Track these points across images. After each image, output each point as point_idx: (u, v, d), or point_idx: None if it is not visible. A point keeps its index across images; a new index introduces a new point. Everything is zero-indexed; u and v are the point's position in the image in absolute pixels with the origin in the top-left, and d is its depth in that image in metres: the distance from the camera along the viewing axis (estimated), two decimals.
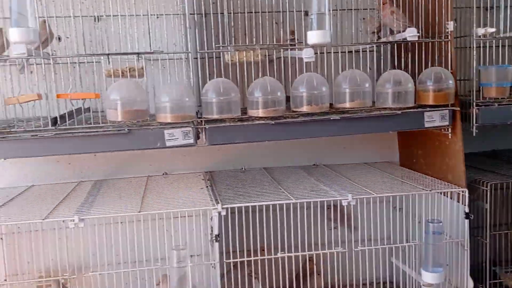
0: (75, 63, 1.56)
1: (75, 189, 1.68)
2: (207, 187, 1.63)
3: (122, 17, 1.39)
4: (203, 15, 1.41)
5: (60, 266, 1.67)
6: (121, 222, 1.44)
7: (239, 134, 1.37)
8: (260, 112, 1.35)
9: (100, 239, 1.61)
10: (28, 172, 1.76)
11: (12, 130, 1.29)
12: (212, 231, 1.79)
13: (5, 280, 1.67)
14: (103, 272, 1.41)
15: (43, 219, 1.30)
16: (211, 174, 1.83)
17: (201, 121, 1.37)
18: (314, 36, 1.32)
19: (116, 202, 1.48)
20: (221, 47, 1.38)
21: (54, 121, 1.33)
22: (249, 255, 1.49)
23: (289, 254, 1.47)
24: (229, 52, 1.37)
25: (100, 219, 1.49)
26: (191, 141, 1.36)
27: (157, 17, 1.71)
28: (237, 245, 1.51)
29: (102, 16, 1.64)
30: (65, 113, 1.44)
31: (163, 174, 1.87)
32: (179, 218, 1.53)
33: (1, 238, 1.70)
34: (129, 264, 1.47)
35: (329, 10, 1.32)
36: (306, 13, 1.77)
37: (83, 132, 1.30)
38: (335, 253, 1.53)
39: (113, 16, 1.55)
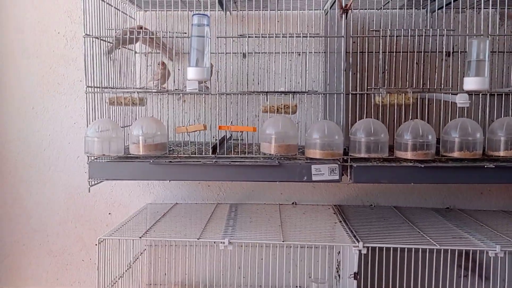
0: (224, 94, 1.70)
1: (215, 210, 1.80)
2: (340, 221, 1.66)
3: (268, 54, 1.49)
4: (358, 53, 1.45)
5: (194, 281, 1.81)
6: (246, 246, 1.52)
7: (386, 175, 1.38)
8: (409, 155, 1.36)
9: (229, 260, 1.71)
10: (173, 190, 1.93)
11: (179, 155, 1.44)
12: (339, 265, 1.81)
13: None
14: None
15: (197, 238, 1.42)
16: (340, 208, 1.85)
17: (348, 159, 1.41)
18: (471, 83, 1.31)
19: (257, 228, 1.57)
20: (373, 89, 1.41)
21: (214, 149, 1.46)
22: None
23: None
24: (380, 94, 1.40)
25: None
26: (336, 177, 1.40)
27: (299, 55, 1.81)
28: (369, 283, 1.51)
29: (251, 53, 1.78)
30: (217, 141, 1.57)
31: (293, 203, 1.93)
32: (305, 248, 1.57)
33: (145, 249, 1.88)
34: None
35: (489, 57, 1.30)
36: (448, 54, 1.75)
37: (239, 161, 1.41)
38: None
39: (261, 53, 1.68)
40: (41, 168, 1.96)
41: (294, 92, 1.41)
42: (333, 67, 1.53)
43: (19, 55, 1.94)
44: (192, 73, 1.36)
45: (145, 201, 1.94)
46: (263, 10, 1.79)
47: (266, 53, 1.48)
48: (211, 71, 1.58)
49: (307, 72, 1.46)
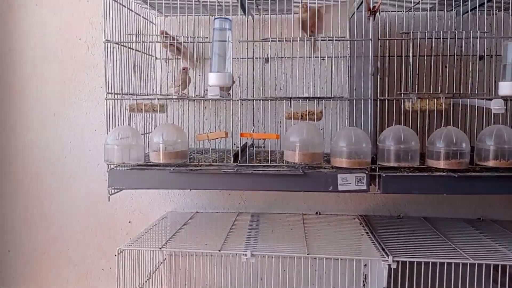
0: (246, 100, 1.65)
1: (237, 220, 1.75)
2: (367, 233, 1.59)
3: (291, 59, 1.43)
4: (385, 56, 1.39)
5: None
6: (269, 257, 1.47)
7: (417, 185, 1.31)
8: (442, 164, 1.29)
9: (251, 271, 1.66)
10: (194, 198, 1.90)
11: (200, 163, 1.40)
12: (365, 278, 1.74)
13: None
14: None
15: (219, 250, 1.37)
16: (366, 219, 1.78)
17: (376, 168, 1.34)
18: (507, 88, 1.24)
19: (280, 239, 1.51)
20: (402, 94, 1.35)
21: (235, 157, 1.41)
22: None
23: None
24: (410, 100, 1.33)
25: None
26: (364, 187, 1.34)
27: (323, 59, 1.76)
28: None
29: (273, 57, 1.73)
30: (238, 148, 1.52)
31: (316, 213, 1.87)
32: (331, 260, 1.51)
33: (165, 259, 1.84)
34: None
35: None
36: (481, 58, 1.67)
37: (262, 170, 1.36)
38: None
39: (285, 57, 1.62)
40: (61, 176, 1.95)
41: (319, 98, 1.36)
42: (359, 72, 1.47)
43: (40, 62, 1.94)
44: (213, 78, 1.32)
45: (165, 210, 1.90)
46: (286, 13, 1.75)
47: (289, 57, 1.42)
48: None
49: (332, 77, 1.40)
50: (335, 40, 1.37)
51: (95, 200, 1.93)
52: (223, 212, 1.88)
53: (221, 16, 1.34)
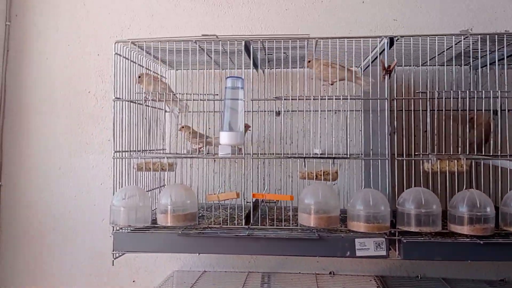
0: (257, 157, 1.60)
1: (247, 280, 1.66)
2: None
3: (304, 112, 1.39)
4: (403, 111, 1.34)
5: None
6: None
7: (440, 251, 1.23)
8: (466, 229, 1.21)
9: None
10: (201, 256, 1.81)
11: (209, 225, 1.33)
12: None
13: None
14: None
15: None
16: (383, 280, 1.69)
17: (395, 232, 1.27)
18: None
19: None
20: (421, 155, 1.30)
21: (247, 219, 1.35)
22: None
23: None
24: (429, 161, 1.28)
25: None
26: (383, 253, 1.26)
27: (335, 113, 1.72)
28: None
29: (287, 111, 1.69)
30: (250, 204, 1.45)
31: (330, 273, 1.78)
32: None
33: None
34: None
35: None
36: (495, 112, 1.63)
37: (275, 234, 1.29)
38: None
39: (298, 111, 1.59)
40: (64, 232, 1.88)
41: (334, 157, 1.31)
42: (374, 128, 1.43)
43: (47, 114, 1.92)
44: (225, 137, 1.28)
45: (172, 268, 1.82)
46: (300, 68, 1.73)
47: (302, 111, 1.37)
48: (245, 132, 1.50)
49: (348, 135, 1.35)
50: (350, 99, 1.33)
51: (98, 257, 1.86)
52: (232, 272, 1.79)
53: (233, 76, 1.31)
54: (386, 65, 1.29)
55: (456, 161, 1.27)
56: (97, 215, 1.87)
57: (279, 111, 1.72)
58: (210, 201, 1.34)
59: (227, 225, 1.35)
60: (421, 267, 1.74)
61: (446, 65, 1.59)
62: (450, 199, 1.27)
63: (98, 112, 1.90)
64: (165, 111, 1.79)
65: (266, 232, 1.30)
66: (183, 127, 1.54)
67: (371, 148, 1.33)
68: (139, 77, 1.48)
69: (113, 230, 1.34)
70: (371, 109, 1.45)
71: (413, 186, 1.30)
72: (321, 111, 1.56)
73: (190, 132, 1.51)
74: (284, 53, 1.56)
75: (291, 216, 1.34)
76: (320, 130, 1.42)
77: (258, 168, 1.39)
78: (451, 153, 1.31)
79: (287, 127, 1.68)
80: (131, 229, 1.34)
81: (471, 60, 1.60)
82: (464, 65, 1.66)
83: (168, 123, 1.78)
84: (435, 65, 1.63)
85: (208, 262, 1.81)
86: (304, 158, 1.32)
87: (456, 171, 1.26)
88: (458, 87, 1.55)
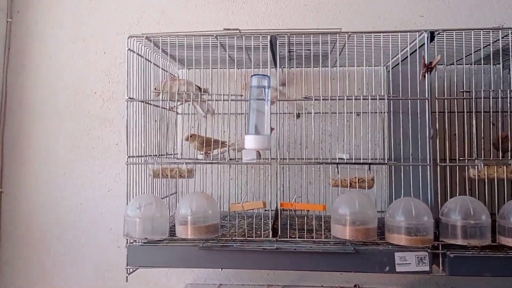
0: (287, 163, 1.49)
1: None
2: None
3: (330, 113, 1.27)
4: (436, 113, 1.23)
5: None
6: None
7: (489, 267, 1.12)
8: None
9: None
10: (217, 269, 1.69)
11: (232, 238, 1.22)
12: None
13: None
14: None
15: None
16: None
17: (439, 245, 1.15)
18: None
19: None
20: (466, 160, 1.18)
21: (274, 232, 1.23)
22: None
23: None
24: (476, 167, 1.16)
25: None
26: (426, 268, 1.15)
27: (357, 115, 1.61)
28: None
29: (310, 112, 1.58)
30: (273, 217, 1.34)
31: (355, 286, 1.66)
32: None
33: None
34: None
35: None
36: None
37: (306, 248, 1.17)
38: None
39: (322, 113, 1.47)
40: (70, 241, 1.76)
41: (371, 163, 1.19)
42: (405, 131, 1.31)
43: (51, 117, 1.79)
44: (251, 142, 1.16)
45: (185, 281, 1.70)
46: (322, 67, 1.62)
47: (327, 113, 1.26)
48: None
49: (385, 139, 1.24)
50: (387, 99, 1.21)
51: (106, 269, 1.73)
52: (250, 285, 1.67)
53: (259, 74, 1.20)
54: (427, 62, 1.18)
55: (505, 167, 1.16)
56: (104, 224, 1.74)
57: (299, 113, 1.60)
58: (234, 210, 1.22)
59: (252, 237, 1.23)
60: (452, 279, 1.63)
61: (484, 64, 1.48)
62: (493, 208, 1.16)
63: (105, 114, 1.78)
64: (177, 113, 1.67)
65: (297, 245, 1.18)
66: (190, 136, 1.41)
67: (410, 153, 1.21)
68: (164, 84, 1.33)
69: (127, 243, 1.22)
70: (401, 110, 1.34)
71: (454, 194, 1.18)
72: (350, 113, 1.46)
73: (199, 142, 1.38)
74: (307, 49, 1.45)
75: (323, 224, 1.22)
76: (349, 134, 1.31)
77: (283, 174, 1.28)
78: (500, 158, 1.20)
79: (312, 130, 1.57)
80: (147, 241, 1.21)
81: (511, 58, 1.49)
82: (497, 63, 1.55)
83: (180, 126, 1.67)
84: (471, 64, 1.53)
85: (224, 275, 1.69)
86: (338, 164, 1.20)
87: (505, 178, 1.15)
88: (497, 86, 1.44)
